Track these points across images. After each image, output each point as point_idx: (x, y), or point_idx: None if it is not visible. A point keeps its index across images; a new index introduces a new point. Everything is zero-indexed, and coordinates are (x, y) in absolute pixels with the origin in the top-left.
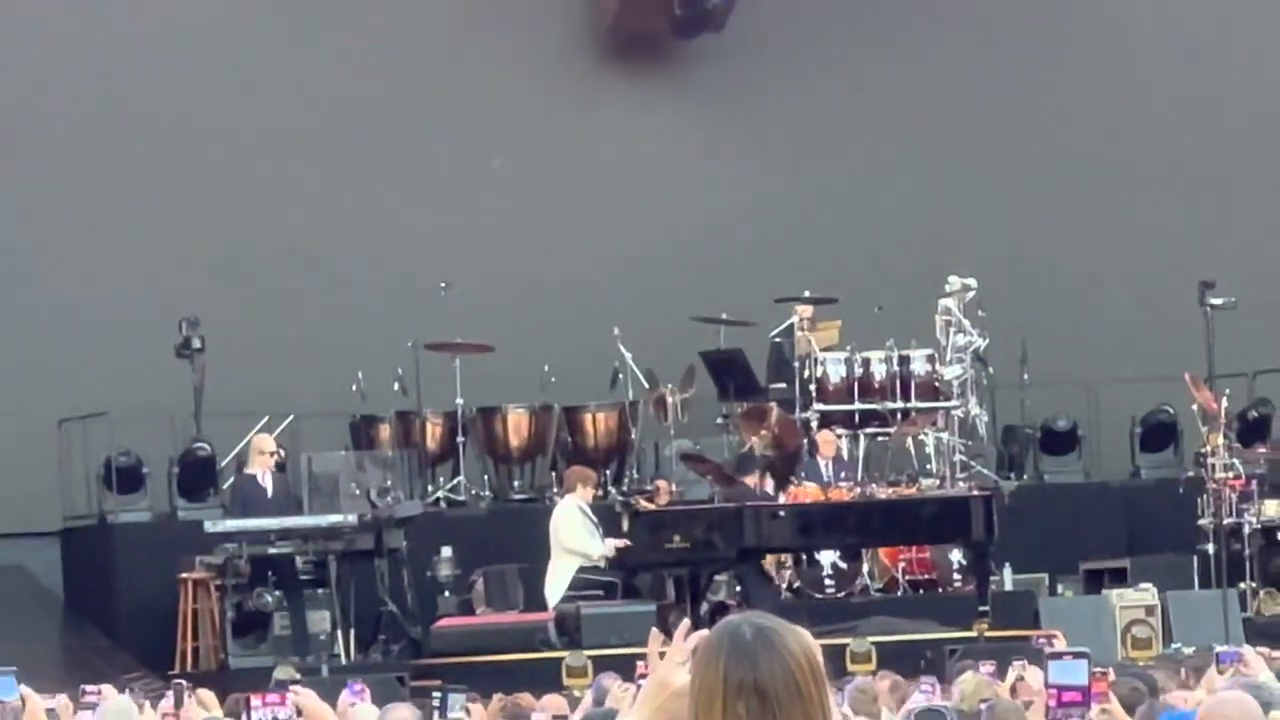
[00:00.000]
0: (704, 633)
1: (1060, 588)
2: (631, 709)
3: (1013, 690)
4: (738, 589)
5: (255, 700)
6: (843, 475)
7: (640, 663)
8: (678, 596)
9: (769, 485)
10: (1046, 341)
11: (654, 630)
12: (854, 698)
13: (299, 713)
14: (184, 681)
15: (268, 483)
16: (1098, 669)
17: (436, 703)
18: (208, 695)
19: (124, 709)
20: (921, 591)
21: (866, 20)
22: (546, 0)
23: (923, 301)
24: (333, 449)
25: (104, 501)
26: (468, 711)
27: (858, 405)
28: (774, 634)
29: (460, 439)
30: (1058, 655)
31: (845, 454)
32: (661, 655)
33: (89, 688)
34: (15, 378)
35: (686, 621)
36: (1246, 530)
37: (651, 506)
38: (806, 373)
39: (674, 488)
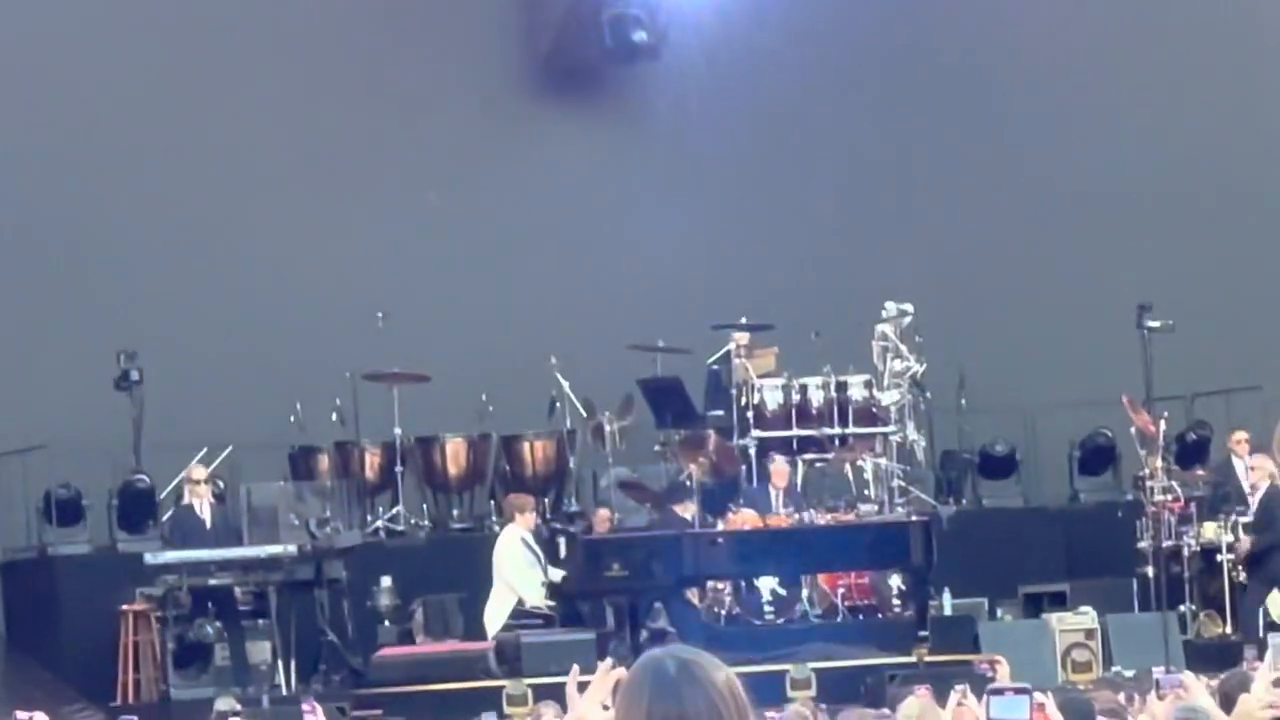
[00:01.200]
0: (623, 671)
1: (1000, 612)
2: None
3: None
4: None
5: None
6: (785, 503)
7: None
8: (617, 624)
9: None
10: (984, 366)
11: (574, 667)
12: None
13: None
14: (134, 717)
15: (206, 513)
16: (1038, 697)
17: None
18: None
19: None
20: (861, 617)
21: (801, 49)
22: (484, 32)
23: (859, 328)
24: (271, 480)
25: (44, 534)
26: None
27: (795, 431)
28: (697, 668)
29: (399, 468)
30: (999, 691)
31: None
32: (583, 689)
33: (21, 714)
34: None
35: (608, 660)
36: (1186, 553)
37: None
38: (744, 399)
39: (615, 516)
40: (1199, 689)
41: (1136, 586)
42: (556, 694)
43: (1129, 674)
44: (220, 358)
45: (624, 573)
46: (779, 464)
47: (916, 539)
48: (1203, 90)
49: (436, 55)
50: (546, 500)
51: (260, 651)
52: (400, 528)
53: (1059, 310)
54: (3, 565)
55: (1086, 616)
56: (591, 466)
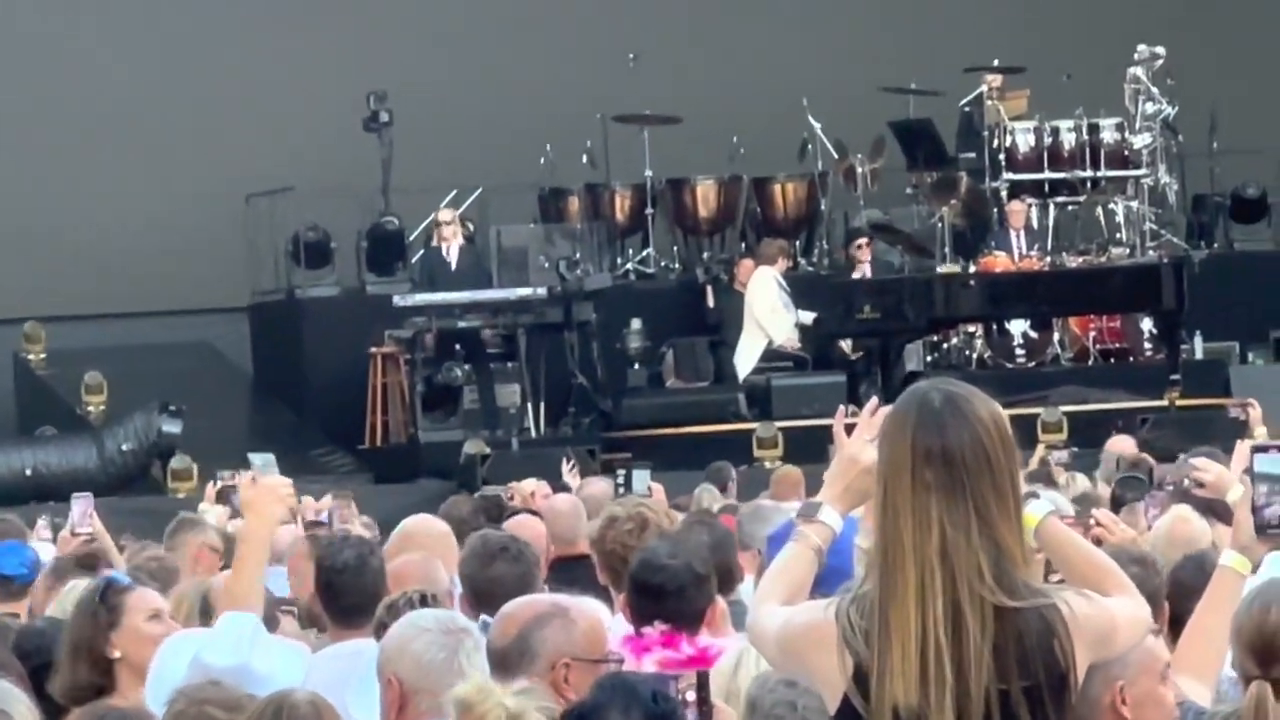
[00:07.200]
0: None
1: (1251, 355)
2: (823, 488)
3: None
4: (928, 359)
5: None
6: (1034, 245)
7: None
8: (868, 367)
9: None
10: (1236, 109)
11: (841, 407)
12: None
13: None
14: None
15: (454, 255)
16: None
17: (620, 479)
18: None
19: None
20: (1112, 360)
21: None
22: None
23: (1111, 70)
24: (521, 222)
25: (292, 276)
26: (650, 490)
27: (1047, 174)
28: (963, 401)
29: (649, 210)
30: (1264, 449)
31: (1035, 223)
32: (849, 430)
33: (255, 455)
34: (202, 154)
35: (875, 399)
36: None
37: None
38: (995, 142)
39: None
40: None
41: None
42: (807, 437)
43: None
44: (469, 99)
45: (875, 315)
46: (1015, 205)
47: (1168, 282)
48: None
49: None
50: (798, 243)
51: (509, 394)
52: (650, 270)
53: None
54: (251, 308)
55: None
56: (842, 208)
